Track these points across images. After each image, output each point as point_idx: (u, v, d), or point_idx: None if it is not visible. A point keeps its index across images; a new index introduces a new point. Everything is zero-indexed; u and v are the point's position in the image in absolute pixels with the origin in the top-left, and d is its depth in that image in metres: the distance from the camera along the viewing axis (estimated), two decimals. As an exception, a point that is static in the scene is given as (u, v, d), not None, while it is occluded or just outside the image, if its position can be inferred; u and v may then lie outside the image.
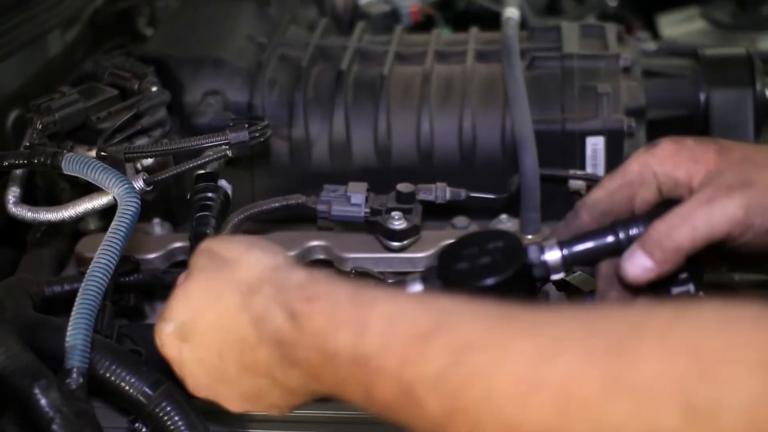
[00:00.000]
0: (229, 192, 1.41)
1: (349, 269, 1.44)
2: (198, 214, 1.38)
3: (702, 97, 1.70)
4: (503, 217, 1.56)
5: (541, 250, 1.09)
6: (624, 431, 0.69)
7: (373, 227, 1.45)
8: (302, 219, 1.56)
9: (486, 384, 0.76)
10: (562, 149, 1.56)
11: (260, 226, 1.58)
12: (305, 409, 1.24)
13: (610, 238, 1.08)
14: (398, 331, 0.83)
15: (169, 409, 1.12)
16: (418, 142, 1.60)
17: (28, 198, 1.40)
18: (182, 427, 1.11)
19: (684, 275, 1.06)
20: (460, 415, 0.78)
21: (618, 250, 1.07)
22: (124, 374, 1.13)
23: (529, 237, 1.48)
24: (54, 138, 1.42)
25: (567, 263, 1.09)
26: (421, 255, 1.45)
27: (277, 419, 1.24)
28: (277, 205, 1.46)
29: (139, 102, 1.48)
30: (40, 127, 1.38)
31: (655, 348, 0.70)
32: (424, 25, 2.18)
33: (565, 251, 1.09)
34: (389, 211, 1.44)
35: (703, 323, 0.72)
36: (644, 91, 1.64)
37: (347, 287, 0.91)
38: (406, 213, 1.43)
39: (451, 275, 1.06)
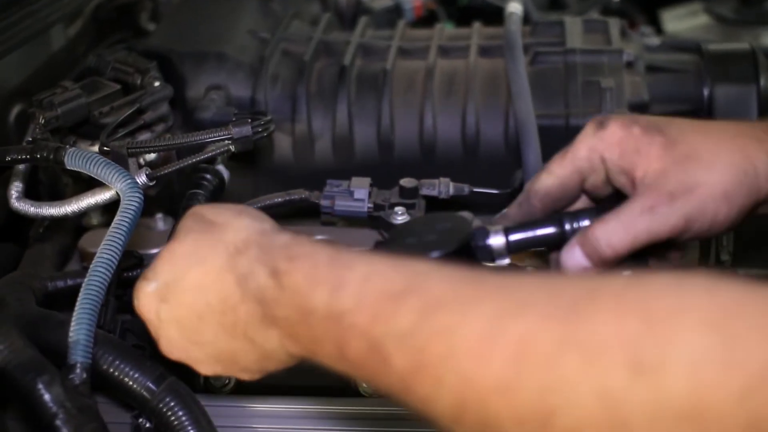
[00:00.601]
0: (226, 177, 1.41)
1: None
2: (190, 191, 1.41)
3: (705, 92, 1.70)
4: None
5: (486, 235, 1.14)
6: (573, 386, 0.71)
7: (377, 222, 1.44)
8: (305, 214, 1.56)
9: (449, 341, 0.78)
10: (565, 144, 1.55)
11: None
12: (308, 403, 1.26)
13: (555, 229, 1.13)
14: (371, 290, 0.86)
15: (173, 404, 1.11)
16: (421, 137, 1.60)
17: (31, 193, 1.40)
18: (186, 422, 1.10)
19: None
20: (423, 371, 0.80)
21: (563, 240, 1.11)
22: (127, 369, 1.13)
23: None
24: (57, 133, 1.42)
25: (510, 249, 1.13)
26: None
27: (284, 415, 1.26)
28: (280, 200, 1.45)
29: (142, 97, 1.48)
30: (42, 122, 1.38)
31: (608, 309, 0.73)
32: (426, 20, 2.17)
33: (510, 237, 1.13)
34: (392, 206, 1.43)
35: (656, 288, 0.74)
36: (647, 87, 1.64)
37: (328, 249, 0.94)
38: (410, 208, 1.43)
39: (398, 248, 1.13)
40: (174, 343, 1.04)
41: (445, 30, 1.85)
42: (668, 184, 1.04)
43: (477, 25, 1.82)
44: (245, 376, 1.05)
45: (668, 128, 1.08)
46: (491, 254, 1.14)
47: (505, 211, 1.22)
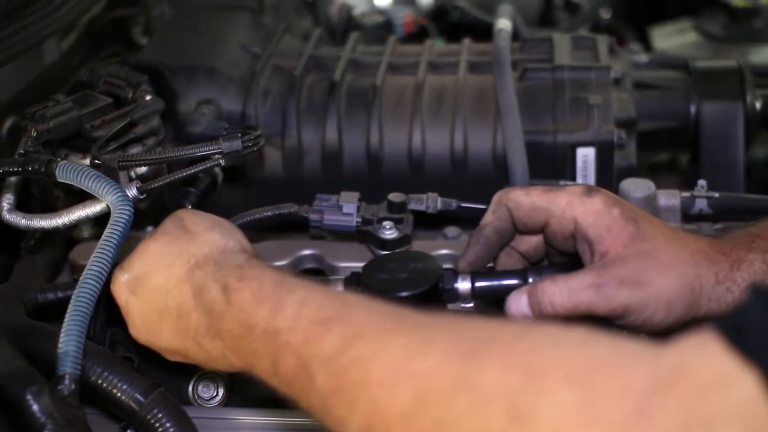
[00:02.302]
0: (219, 178, 1.43)
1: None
2: (184, 189, 1.45)
3: (693, 109, 1.72)
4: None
5: (455, 278, 1.23)
6: (461, 424, 0.79)
7: (365, 236, 1.45)
8: (294, 228, 1.57)
9: (364, 369, 0.88)
10: (552, 160, 1.57)
11: (252, 234, 1.59)
12: (296, 416, 1.27)
13: (518, 281, 1.21)
14: (305, 314, 0.96)
15: (160, 415, 1.12)
16: (410, 152, 1.61)
17: (23, 205, 1.41)
18: (173, 434, 1.11)
19: None
20: (341, 393, 0.89)
21: None
22: (116, 381, 1.14)
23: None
24: (48, 146, 1.43)
25: (476, 295, 1.22)
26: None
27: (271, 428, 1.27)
28: (269, 213, 1.46)
29: (133, 110, 1.49)
30: (34, 134, 1.39)
31: (498, 359, 0.81)
32: (417, 35, 2.19)
33: (476, 284, 1.22)
34: (380, 220, 1.44)
35: (539, 341, 0.82)
36: (635, 103, 1.65)
37: (275, 273, 1.05)
38: (398, 222, 1.44)
39: (371, 283, 1.23)
40: (139, 331, 1.16)
41: (435, 46, 1.86)
42: (622, 271, 1.10)
43: (467, 41, 1.83)
44: (204, 366, 1.15)
45: (643, 223, 1.14)
46: (457, 297, 1.23)
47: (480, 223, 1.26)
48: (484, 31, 1.87)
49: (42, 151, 1.38)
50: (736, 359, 0.68)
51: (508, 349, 0.82)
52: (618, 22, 2.53)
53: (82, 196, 1.33)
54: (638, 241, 1.12)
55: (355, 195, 1.48)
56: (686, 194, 1.48)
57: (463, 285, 1.23)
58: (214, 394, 1.33)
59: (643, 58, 1.92)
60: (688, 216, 1.48)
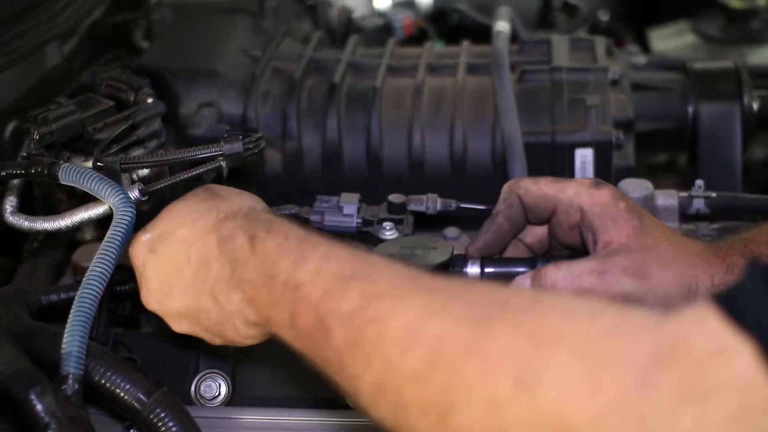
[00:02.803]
0: (224, 174, 1.43)
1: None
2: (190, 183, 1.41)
3: (690, 110, 1.72)
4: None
5: (464, 263, 1.25)
6: (469, 390, 0.80)
7: (365, 237, 1.46)
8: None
9: (381, 328, 0.88)
10: (551, 161, 1.58)
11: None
12: (298, 415, 1.28)
13: (527, 269, 1.23)
14: (327, 269, 0.97)
15: (163, 415, 1.13)
16: (410, 153, 1.62)
17: (26, 208, 1.42)
18: (176, 433, 1.12)
19: None
20: (357, 350, 0.90)
21: None
22: (119, 381, 1.15)
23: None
24: (51, 148, 1.43)
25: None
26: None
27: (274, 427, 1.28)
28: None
29: (135, 113, 1.50)
30: (37, 137, 1.39)
31: (508, 326, 0.82)
32: (417, 38, 2.19)
33: (486, 269, 1.25)
34: (381, 221, 1.46)
35: (549, 310, 0.83)
36: (633, 104, 1.66)
37: (301, 230, 1.05)
38: (398, 223, 1.45)
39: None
40: (151, 293, 1.15)
41: (435, 48, 1.87)
42: (625, 260, 1.13)
43: (465, 44, 1.84)
44: (207, 337, 1.14)
45: (647, 219, 1.18)
46: None
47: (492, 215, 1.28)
48: (483, 34, 1.88)
49: (45, 154, 1.39)
50: (733, 332, 0.69)
51: (518, 317, 0.83)
52: (616, 24, 2.54)
53: (85, 199, 1.34)
54: (642, 234, 1.15)
55: (356, 196, 1.49)
56: (684, 194, 1.49)
57: (473, 270, 1.25)
58: (217, 393, 1.34)
59: (640, 59, 1.93)
60: (685, 216, 1.49)
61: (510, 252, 1.30)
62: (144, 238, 1.14)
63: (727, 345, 0.69)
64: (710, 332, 0.71)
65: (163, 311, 1.15)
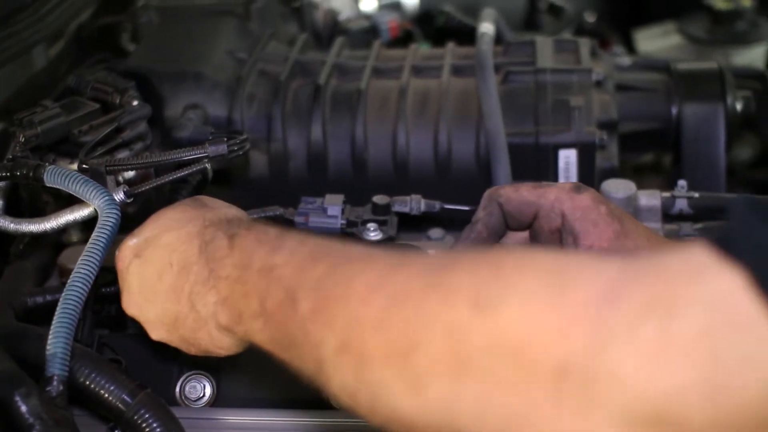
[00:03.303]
0: (209, 175, 1.43)
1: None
2: (176, 184, 1.44)
3: (674, 110, 1.73)
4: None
5: None
6: (430, 323, 0.80)
7: (350, 239, 1.47)
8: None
9: (345, 287, 0.89)
10: (535, 162, 1.59)
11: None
12: (282, 416, 1.28)
13: None
14: (301, 251, 0.98)
15: (147, 416, 1.13)
16: (394, 155, 1.63)
17: (13, 210, 1.42)
18: (160, 434, 1.12)
19: None
20: (321, 313, 0.90)
21: None
22: (103, 382, 1.15)
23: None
24: (37, 151, 1.44)
25: None
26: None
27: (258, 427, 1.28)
28: (255, 216, 1.48)
29: (121, 116, 1.50)
30: (22, 140, 1.40)
31: (468, 263, 0.83)
32: (403, 40, 2.19)
33: None
34: (365, 222, 1.46)
35: (509, 250, 0.89)
36: (617, 105, 1.67)
37: (280, 228, 1.05)
38: (382, 224, 1.46)
39: None
40: (132, 298, 1.15)
41: (420, 50, 1.88)
42: None
43: (450, 45, 1.85)
44: (183, 346, 1.14)
45: (627, 222, 1.17)
46: None
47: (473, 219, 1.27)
48: (469, 35, 1.88)
49: (30, 156, 1.39)
50: (716, 257, 0.68)
51: (478, 257, 0.84)
52: (602, 26, 2.55)
53: (71, 201, 1.34)
54: (622, 237, 1.14)
55: (340, 197, 1.50)
56: (667, 194, 1.50)
57: None
58: (201, 394, 1.34)
59: (625, 60, 1.94)
60: (668, 216, 1.50)
61: None
62: (130, 242, 1.15)
63: (706, 267, 0.68)
64: (691, 257, 0.70)
65: (142, 317, 1.16)
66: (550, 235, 1.20)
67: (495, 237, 1.25)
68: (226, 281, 1.04)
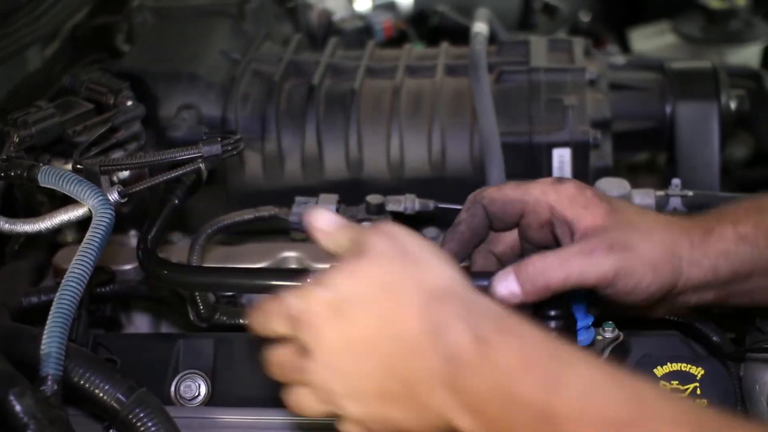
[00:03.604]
0: (204, 175, 1.42)
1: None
2: (170, 184, 1.42)
3: (668, 109, 1.74)
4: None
5: None
6: None
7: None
8: (275, 231, 1.59)
9: None
10: (529, 161, 1.59)
11: (233, 237, 1.61)
12: (277, 414, 1.28)
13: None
14: (593, 406, 0.86)
15: (142, 415, 1.13)
16: (389, 154, 1.63)
17: (8, 210, 1.42)
18: (155, 433, 1.13)
19: (556, 312, 1.17)
20: None
21: None
22: (98, 381, 1.14)
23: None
24: (31, 151, 1.43)
25: None
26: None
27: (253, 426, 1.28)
28: (250, 216, 1.48)
29: (115, 116, 1.50)
30: (17, 140, 1.40)
31: None
32: (397, 40, 2.20)
33: None
34: (359, 222, 1.46)
35: None
36: (611, 104, 1.67)
37: (540, 333, 0.93)
38: (376, 224, 1.46)
39: None
40: (322, 363, 0.98)
41: (414, 50, 1.88)
42: (608, 237, 1.12)
43: (444, 45, 1.85)
44: (378, 428, 0.99)
45: (615, 202, 1.17)
46: None
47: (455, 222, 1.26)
48: (463, 35, 1.88)
49: (25, 157, 1.39)
50: None
51: None
52: (597, 25, 2.55)
53: (66, 201, 1.34)
54: (615, 214, 1.14)
55: (334, 197, 1.50)
56: (660, 193, 1.50)
57: None
58: (196, 393, 1.34)
59: (619, 59, 1.94)
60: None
61: (480, 262, 1.26)
62: (322, 294, 0.98)
63: None
64: None
65: (334, 387, 0.98)
66: (539, 230, 1.20)
67: (477, 238, 1.25)
68: (472, 393, 0.92)
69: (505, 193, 1.21)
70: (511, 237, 1.26)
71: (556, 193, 1.17)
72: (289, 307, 0.99)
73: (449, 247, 1.23)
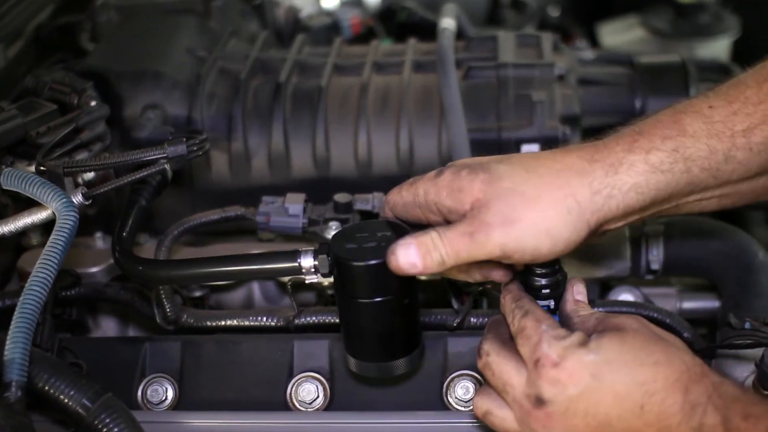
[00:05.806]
0: (169, 175, 1.41)
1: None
2: (135, 186, 1.41)
3: (637, 104, 1.73)
4: None
5: None
6: None
7: (312, 237, 1.46)
8: (242, 231, 1.58)
9: None
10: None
11: (200, 238, 1.60)
12: (244, 418, 1.27)
13: None
14: None
15: (108, 420, 1.11)
16: (356, 152, 1.62)
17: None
18: (121, 438, 1.11)
19: (546, 291, 1.16)
20: None
21: None
22: (62, 387, 1.13)
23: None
24: (-6, 153, 1.43)
25: None
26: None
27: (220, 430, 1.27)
28: (216, 217, 1.47)
29: (79, 116, 1.49)
30: (-21, 143, 1.39)
31: None
32: (365, 36, 2.19)
33: None
34: (327, 221, 1.45)
35: None
36: (580, 99, 1.67)
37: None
38: (344, 223, 1.45)
39: (339, 252, 1.17)
40: (567, 418, 1.04)
41: (381, 46, 1.87)
42: (487, 215, 1.08)
43: (412, 41, 1.85)
44: None
45: (497, 166, 1.12)
46: None
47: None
48: (431, 31, 1.88)
49: (-13, 159, 1.38)
50: None
51: None
52: (566, 20, 2.55)
53: (30, 204, 1.32)
54: (495, 183, 1.10)
55: (302, 196, 1.49)
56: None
57: None
58: (163, 398, 1.33)
59: (589, 54, 1.93)
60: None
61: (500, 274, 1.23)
62: (587, 357, 1.04)
63: None
64: None
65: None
66: (446, 222, 1.17)
67: None
68: None
69: (402, 196, 1.19)
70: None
71: (434, 188, 1.14)
72: (553, 365, 1.04)
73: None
